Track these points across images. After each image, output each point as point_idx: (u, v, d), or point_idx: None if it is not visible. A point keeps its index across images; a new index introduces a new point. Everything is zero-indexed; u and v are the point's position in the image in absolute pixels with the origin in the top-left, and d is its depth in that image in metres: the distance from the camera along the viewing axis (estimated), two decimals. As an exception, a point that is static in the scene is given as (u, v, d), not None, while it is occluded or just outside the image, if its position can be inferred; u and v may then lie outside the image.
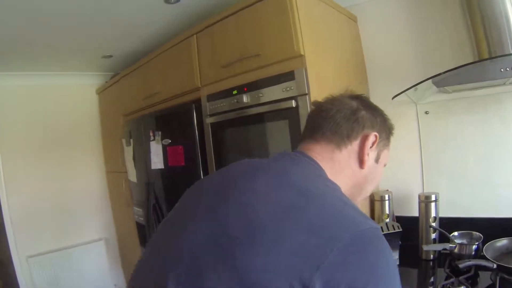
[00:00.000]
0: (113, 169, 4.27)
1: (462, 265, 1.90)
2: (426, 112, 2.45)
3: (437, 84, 1.88)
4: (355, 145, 1.09)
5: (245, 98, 2.21)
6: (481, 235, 2.11)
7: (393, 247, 2.11)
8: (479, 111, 2.26)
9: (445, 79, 1.84)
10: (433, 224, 2.26)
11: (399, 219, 2.47)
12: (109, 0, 2.44)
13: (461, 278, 1.86)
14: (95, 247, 4.43)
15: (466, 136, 2.32)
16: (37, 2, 2.32)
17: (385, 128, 1.16)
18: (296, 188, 0.91)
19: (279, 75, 2.04)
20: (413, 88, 2.02)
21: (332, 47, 2.29)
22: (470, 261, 1.92)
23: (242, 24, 2.29)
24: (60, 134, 4.32)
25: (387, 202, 2.46)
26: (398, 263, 2.14)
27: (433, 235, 2.27)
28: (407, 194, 2.52)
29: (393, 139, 2.30)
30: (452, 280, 1.87)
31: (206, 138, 2.54)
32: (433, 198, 2.27)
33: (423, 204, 2.30)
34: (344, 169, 1.08)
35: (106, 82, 4.30)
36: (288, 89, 2.00)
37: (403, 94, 2.11)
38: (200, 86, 2.62)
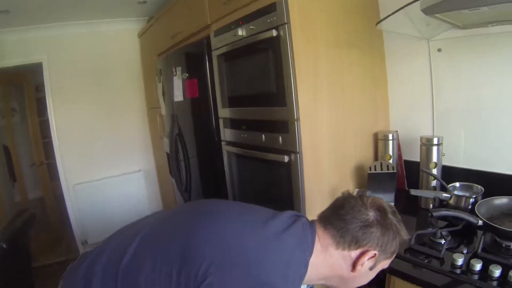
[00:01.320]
0: (152, 106, 4.62)
1: (436, 213, 1.73)
2: (439, 50, 2.23)
3: (426, 11, 1.62)
4: (353, 253, 1.21)
5: (240, 31, 2.30)
6: (482, 188, 1.93)
7: (386, 190, 2.10)
8: (495, 50, 1.98)
9: (435, 4, 1.56)
10: (434, 170, 2.08)
11: (406, 163, 2.40)
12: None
13: (443, 230, 1.69)
14: (135, 177, 4.98)
15: (481, 77, 2.07)
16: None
17: (392, 246, 1.23)
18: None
19: (265, 7, 2.09)
20: (425, 23, 1.91)
21: None
22: (448, 211, 1.75)
23: None
24: (106, 76, 4.83)
25: (390, 142, 2.32)
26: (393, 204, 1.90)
27: (434, 183, 2.11)
28: (416, 137, 2.24)
29: (403, 76, 2.37)
30: (433, 230, 1.71)
31: (214, 70, 2.71)
32: (435, 141, 2.07)
33: (424, 148, 2.12)
34: (332, 263, 1.23)
35: (146, 25, 4.58)
36: (270, 20, 2.05)
37: (414, 29, 2.06)
38: (209, 23, 2.79)
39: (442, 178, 2.05)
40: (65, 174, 4.76)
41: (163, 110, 3.85)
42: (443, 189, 2.00)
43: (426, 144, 2.10)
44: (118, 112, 4.94)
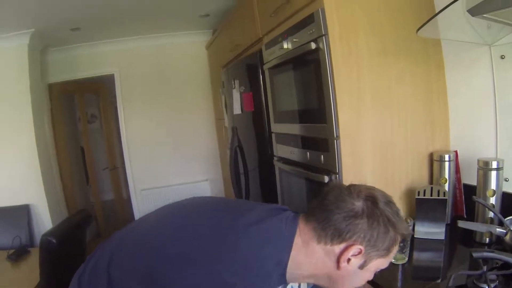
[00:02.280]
0: (218, 117, 4.69)
1: (476, 254, 1.35)
2: (502, 57, 1.87)
3: (472, 12, 1.40)
4: (336, 248, 1.07)
5: (285, 44, 2.23)
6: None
7: (436, 218, 1.85)
8: None
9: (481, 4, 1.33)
10: (492, 199, 1.74)
11: (466, 188, 2.05)
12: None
13: (491, 272, 1.36)
14: (201, 186, 5.07)
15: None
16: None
17: (384, 242, 1.07)
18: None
19: (305, 19, 2.01)
20: (486, 25, 1.62)
21: None
22: (492, 252, 1.37)
23: None
24: (175, 86, 5.10)
25: (447, 164, 2.02)
26: (442, 238, 1.84)
27: (491, 214, 1.74)
28: (476, 158, 1.85)
29: (464, 88, 2.07)
30: (479, 272, 1.36)
31: (266, 84, 2.66)
32: (494, 165, 1.72)
33: (481, 172, 1.76)
34: (316, 259, 1.10)
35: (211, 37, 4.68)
36: (311, 32, 1.96)
37: (475, 34, 1.76)
38: (261, 36, 2.75)
39: (502, 209, 1.71)
40: (133, 179, 5.06)
41: (226, 122, 3.86)
42: (501, 221, 1.62)
43: (484, 168, 1.74)
44: (186, 121, 5.13)
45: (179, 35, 4.98)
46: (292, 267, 1.10)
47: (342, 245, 1.06)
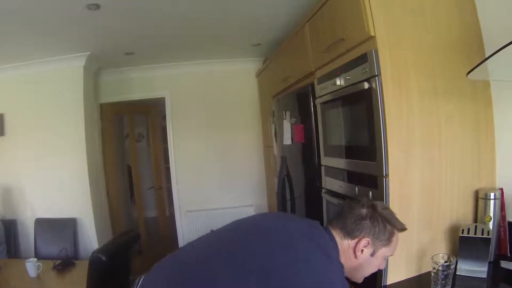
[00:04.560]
0: (267, 144, 4.75)
1: None
2: None
3: None
4: (352, 242, 1.52)
5: (338, 81, 2.29)
6: None
7: (479, 256, 1.87)
8: None
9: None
10: None
11: (509, 226, 2.07)
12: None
13: None
14: (245, 211, 5.11)
15: None
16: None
17: (384, 234, 1.52)
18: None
19: (358, 58, 2.07)
20: None
21: (421, 23, 2.06)
22: None
23: (332, 11, 2.39)
24: (225, 111, 5.27)
25: (492, 202, 2.01)
26: (485, 276, 1.85)
27: None
28: None
29: (508, 126, 2.14)
30: None
31: (318, 118, 2.73)
32: None
33: None
34: (344, 253, 1.53)
35: (262, 66, 4.82)
36: (363, 71, 2.02)
37: None
38: (313, 70, 2.82)
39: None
40: (179, 200, 5.26)
41: (275, 150, 3.95)
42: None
43: None
44: (234, 146, 5.30)
45: (229, 62, 5.16)
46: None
47: (356, 240, 1.52)
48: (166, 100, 5.29)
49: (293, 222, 1.65)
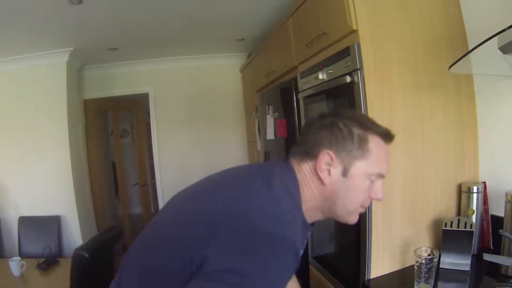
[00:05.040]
0: (251, 140, 4.75)
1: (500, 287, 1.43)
2: None
3: (504, 50, 1.44)
4: (312, 164, 1.15)
5: (321, 75, 2.29)
6: None
7: (463, 249, 1.85)
8: None
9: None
10: None
11: (494, 219, 2.04)
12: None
13: None
14: None
15: None
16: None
17: (352, 141, 1.12)
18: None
19: (340, 52, 2.06)
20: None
21: (404, 17, 2.05)
22: None
23: (316, 4, 2.38)
24: (208, 107, 5.26)
25: (475, 195, 2.01)
26: (468, 269, 1.83)
27: None
28: (508, 189, 1.85)
29: (494, 120, 2.08)
30: None
31: (300, 111, 2.72)
32: None
33: (509, 205, 1.75)
34: (307, 183, 1.15)
35: (246, 61, 4.81)
36: (346, 65, 2.01)
37: (507, 68, 1.74)
38: (296, 64, 2.81)
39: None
40: (164, 196, 5.21)
41: (259, 146, 3.94)
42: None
43: (511, 201, 1.73)
44: (218, 142, 5.28)
45: (214, 57, 5.14)
46: (304, 203, 1.14)
47: (316, 157, 1.13)
48: (150, 95, 5.28)
49: (249, 166, 1.46)
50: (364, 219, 1.95)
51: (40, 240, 4.11)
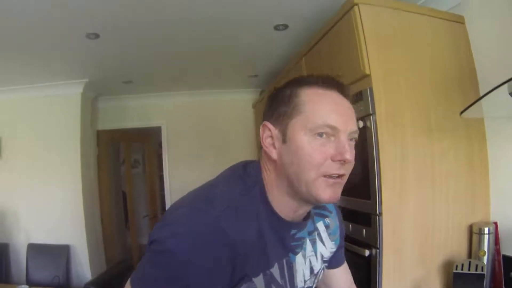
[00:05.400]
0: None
1: None
2: None
3: None
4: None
5: None
6: None
7: None
8: None
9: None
10: None
11: (506, 260, 2.02)
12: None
13: None
14: None
15: None
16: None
17: (283, 102, 0.99)
18: None
19: (353, 95, 1.95)
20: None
21: (416, 61, 2.10)
22: None
23: (329, 46, 2.43)
24: (220, 141, 5.28)
25: (486, 237, 1.99)
26: None
27: None
28: None
29: (504, 160, 2.10)
30: None
31: None
32: None
33: None
34: (266, 170, 1.04)
35: (258, 97, 4.88)
36: (359, 109, 2.01)
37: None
38: None
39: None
40: None
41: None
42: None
43: None
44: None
45: (226, 92, 5.21)
46: (270, 194, 1.01)
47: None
48: (163, 129, 5.33)
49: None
50: (374, 260, 1.96)
51: (48, 268, 4.12)
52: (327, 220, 1.25)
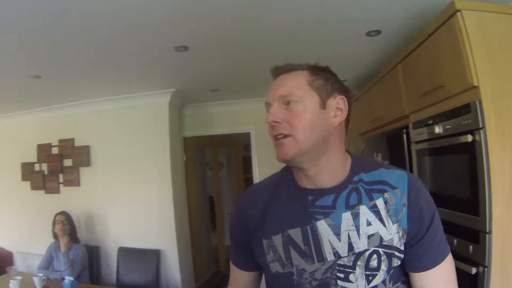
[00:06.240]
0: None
1: None
2: None
3: None
4: None
5: (437, 129, 2.22)
6: None
7: None
8: None
9: None
10: None
11: None
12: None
13: None
14: None
15: None
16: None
17: None
18: None
19: (460, 108, 1.99)
20: None
21: None
22: None
23: (428, 54, 2.32)
24: None
25: None
26: None
27: None
28: None
29: None
30: None
31: (413, 163, 2.62)
32: None
33: None
34: None
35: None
36: (466, 122, 1.94)
37: None
38: (407, 113, 2.71)
39: None
40: None
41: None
42: None
43: None
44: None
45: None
46: None
47: None
48: (251, 134, 5.33)
49: None
50: (482, 278, 1.87)
51: (138, 272, 4.27)
52: (386, 195, 1.12)
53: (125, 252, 4.46)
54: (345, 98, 1.16)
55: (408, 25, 2.65)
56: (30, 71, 3.39)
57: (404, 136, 2.70)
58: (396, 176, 1.14)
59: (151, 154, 4.59)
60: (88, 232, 4.76)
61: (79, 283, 3.46)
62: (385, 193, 1.12)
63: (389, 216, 1.10)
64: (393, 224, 1.09)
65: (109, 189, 4.74)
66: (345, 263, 1.08)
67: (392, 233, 1.09)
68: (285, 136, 1.09)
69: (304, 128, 1.08)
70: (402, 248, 1.10)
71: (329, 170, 1.14)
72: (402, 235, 1.10)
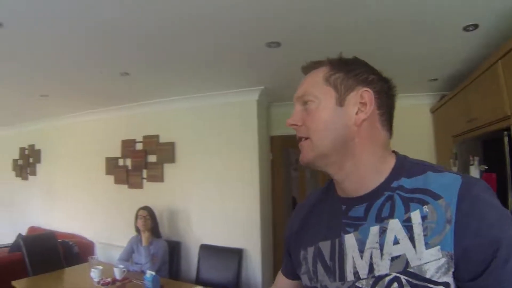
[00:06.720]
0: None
1: None
2: None
3: None
4: None
5: None
6: None
7: None
8: None
9: None
10: None
11: None
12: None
13: None
14: None
15: None
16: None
17: None
18: None
19: None
20: None
21: None
22: None
23: None
24: (398, 147, 4.79)
25: None
26: None
27: None
28: None
29: None
30: None
31: None
32: None
33: None
34: None
35: (438, 101, 4.46)
36: None
37: None
38: (509, 114, 2.49)
39: None
40: None
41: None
42: None
43: None
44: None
45: (403, 97, 4.80)
46: None
47: None
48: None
49: None
50: None
51: (219, 270, 4.27)
52: (425, 208, 0.87)
53: (207, 250, 4.50)
54: (370, 90, 0.98)
55: (509, 17, 2.46)
56: (119, 69, 3.52)
57: (505, 139, 2.47)
58: (445, 180, 0.88)
59: (238, 153, 4.59)
60: (170, 228, 4.88)
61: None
62: (425, 206, 0.87)
63: (424, 235, 0.84)
64: (426, 248, 0.84)
65: (193, 186, 4.81)
66: (363, 287, 0.91)
67: (422, 259, 0.83)
68: (305, 138, 1.01)
69: (316, 129, 0.98)
70: (444, 280, 0.82)
71: (358, 175, 0.98)
72: (446, 262, 0.82)
